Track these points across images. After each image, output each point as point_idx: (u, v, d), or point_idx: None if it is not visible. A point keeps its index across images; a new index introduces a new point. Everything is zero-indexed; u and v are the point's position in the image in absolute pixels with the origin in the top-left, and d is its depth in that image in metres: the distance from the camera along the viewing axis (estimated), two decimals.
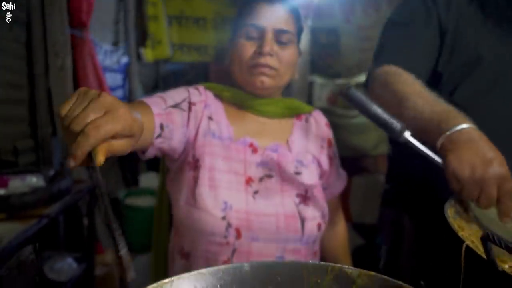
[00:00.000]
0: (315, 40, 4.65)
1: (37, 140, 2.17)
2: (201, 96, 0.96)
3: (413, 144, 0.76)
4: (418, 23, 0.96)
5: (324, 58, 4.89)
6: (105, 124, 0.50)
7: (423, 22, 0.96)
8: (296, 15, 0.97)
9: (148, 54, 3.69)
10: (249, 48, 0.91)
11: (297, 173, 0.95)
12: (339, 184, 1.13)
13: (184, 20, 4.45)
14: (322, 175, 1.04)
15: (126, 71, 3.49)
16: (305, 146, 1.01)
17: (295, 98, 1.09)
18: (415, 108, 0.79)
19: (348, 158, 3.11)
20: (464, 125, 0.72)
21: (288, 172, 0.93)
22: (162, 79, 4.51)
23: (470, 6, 0.95)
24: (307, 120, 1.06)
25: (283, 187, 0.93)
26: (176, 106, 0.88)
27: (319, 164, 1.02)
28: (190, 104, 0.92)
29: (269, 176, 0.93)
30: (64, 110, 0.52)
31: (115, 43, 3.39)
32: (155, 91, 4.29)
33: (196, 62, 4.61)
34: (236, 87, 0.99)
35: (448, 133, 0.71)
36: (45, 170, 1.85)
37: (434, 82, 0.95)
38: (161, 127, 0.82)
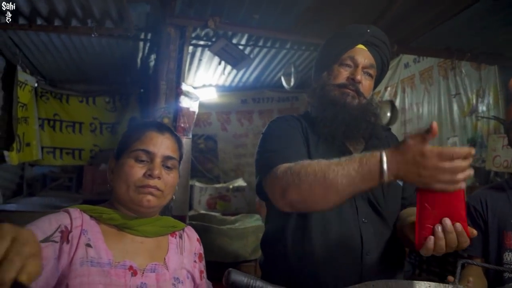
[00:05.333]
0: (195, 146, 4.87)
1: None
2: (77, 221, 0.93)
3: None
4: (292, 135, 1.18)
5: (203, 163, 5.11)
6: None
7: (294, 133, 1.18)
8: (179, 145, 1.09)
9: (13, 157, 3.37)
10: (138, 170, 0.98)
11: None
12: None
13: (58, 123, 4.30)
14: None
15: None
16: (180, 262, 1.05)
17: (177, 204, 1.10)
18: (341, 175, 0.88)
19: (230, 264, 3.08)
20: (383, 155, 0.84)
21: None
22: (27, 184, 4.15)
23: (313, 130, 1.21)
24: (180, 237, 1.11)
25: None
26: (46, 240, 0.84)
27: (193, 279, 1.07)
28: (63, 234, 0.88)
29: None
30: None
31: None
32: (17, 196, 3.88)
33: (70, 166, 4.37)
34: (114, 204, 1.02)
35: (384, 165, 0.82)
36: None
37: None
38: None
